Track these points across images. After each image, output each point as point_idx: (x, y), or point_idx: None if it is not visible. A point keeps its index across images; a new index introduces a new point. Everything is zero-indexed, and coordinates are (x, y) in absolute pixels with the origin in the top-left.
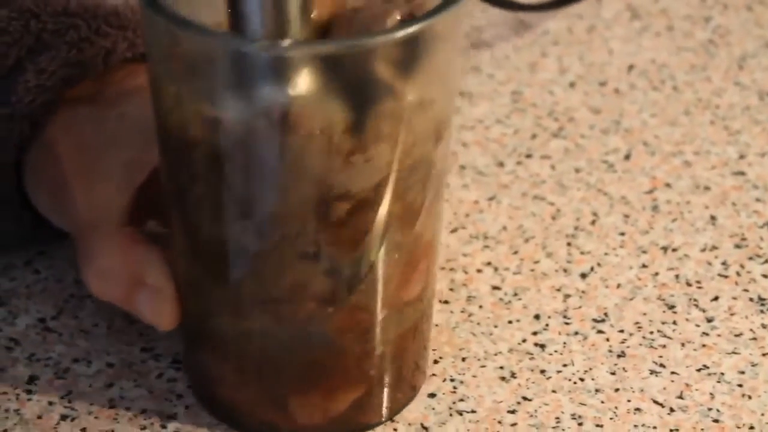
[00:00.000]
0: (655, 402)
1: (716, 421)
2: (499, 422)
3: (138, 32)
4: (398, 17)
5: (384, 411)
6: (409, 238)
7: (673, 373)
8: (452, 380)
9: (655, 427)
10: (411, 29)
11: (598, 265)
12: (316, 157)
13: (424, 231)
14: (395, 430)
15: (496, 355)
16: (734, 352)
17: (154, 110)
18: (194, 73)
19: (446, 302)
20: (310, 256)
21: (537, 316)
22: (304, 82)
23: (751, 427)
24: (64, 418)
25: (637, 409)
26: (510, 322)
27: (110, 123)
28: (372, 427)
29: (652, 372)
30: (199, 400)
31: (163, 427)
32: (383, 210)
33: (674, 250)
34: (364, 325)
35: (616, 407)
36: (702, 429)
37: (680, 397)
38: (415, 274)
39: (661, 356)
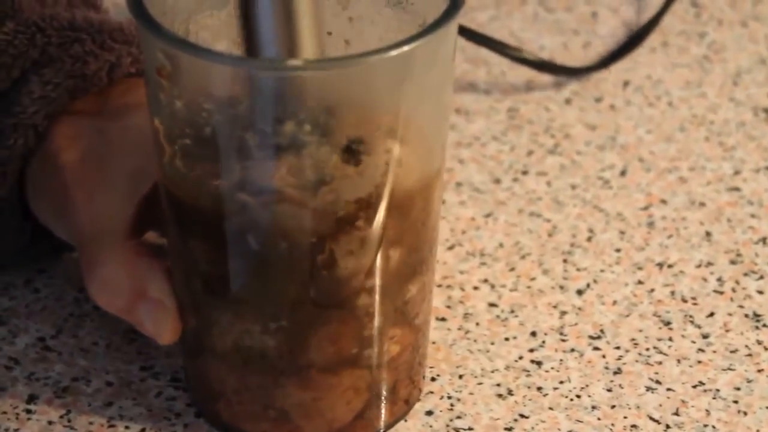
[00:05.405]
0: (652, 419)
1: None
2: None
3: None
4: None
5: (382, 424)
6: (405, 250)
7: (669, 389)
8: (449, 397)
9: None
10: (406, 47)
11: (594, 281)
12: (310, 171)
13: (419, 242)
14: None
15: (492, 372)
16: (730, 369)
17: (150, 125)
18: (192, 92)
19: (443, 319)
20: (309, 268)
21: (533, 333)
22: (297, 100)
23: None
24: None
25: (634, 426)
26: (507, 339)
27: (114, 134)
28: None
29: (648, 389)
30: (201, 415)
31: None
32: (377, 223)
33: (670, 266)
34: (364, 335)
35: (612, 424)
36: None
37: (676, 413)
38: (413, 282)
39: (657, 373)
